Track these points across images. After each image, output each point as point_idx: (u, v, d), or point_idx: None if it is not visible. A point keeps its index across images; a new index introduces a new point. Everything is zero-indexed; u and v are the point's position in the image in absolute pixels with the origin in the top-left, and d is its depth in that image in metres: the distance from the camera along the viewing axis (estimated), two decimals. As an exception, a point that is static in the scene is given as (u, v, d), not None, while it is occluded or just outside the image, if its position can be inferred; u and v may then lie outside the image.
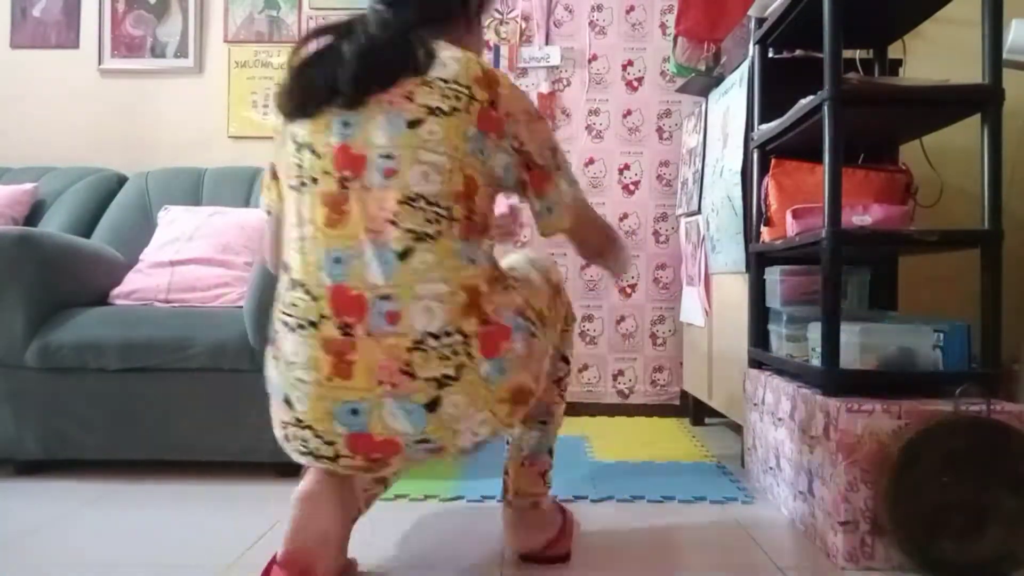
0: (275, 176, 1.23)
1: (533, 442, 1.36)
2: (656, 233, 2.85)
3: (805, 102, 1.60)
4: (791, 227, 1.67)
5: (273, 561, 1.16)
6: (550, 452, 1.39)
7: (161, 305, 2.09)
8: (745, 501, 1.71)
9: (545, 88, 2.85)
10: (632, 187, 2.85)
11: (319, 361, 1.06)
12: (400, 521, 1.57)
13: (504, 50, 2.84)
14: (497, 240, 1.30)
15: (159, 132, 2.91)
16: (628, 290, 2.84)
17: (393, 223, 1.05)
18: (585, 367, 2.83)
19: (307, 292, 1.08)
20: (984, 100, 1.48)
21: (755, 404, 1.85)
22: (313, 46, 1.17)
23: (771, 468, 1.73)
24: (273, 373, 1.15)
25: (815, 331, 1.54)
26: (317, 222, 1.09)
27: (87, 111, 2.92)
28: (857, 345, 1.46)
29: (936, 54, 2.32)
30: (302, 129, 1.13)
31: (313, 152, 1.11)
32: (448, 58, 1.11)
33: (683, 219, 2.68)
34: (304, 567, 1.12)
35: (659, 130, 2.85)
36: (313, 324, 1.07)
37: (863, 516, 1.33)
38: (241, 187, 2.57)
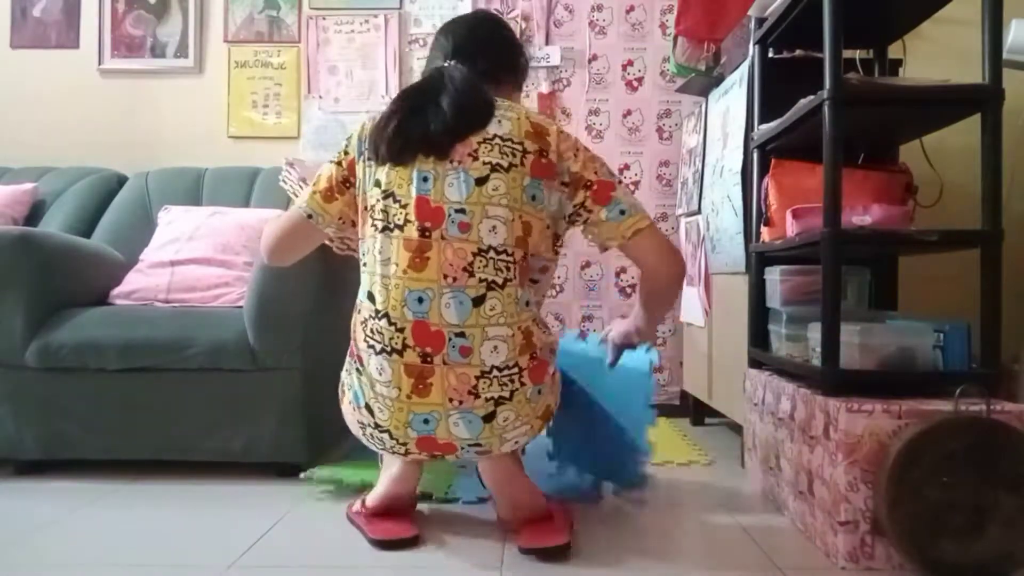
0: (338, 192, 1.43)
1: None
2: (656, 233, 2.84)
3: (805, 102, 1.60)
4: (791, 227, 1.67)
5: (363, 510, 1.50)
6: None
7: (161, 305, 2.09)
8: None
9: (545, 88, 2.85)
10: (632, 187, 2.85)
11: (402, 381, 1.30)
12: (400, 521, 1.57)
13: (504, 50, 2.83)
14: None
15: (159, 132, 2.91)
16: (628, 290, 2.84)
17: (468, 272, 1.29)
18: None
19: (391, 323, 1.30)
20: (984, 100, 1.47)
21: (755, 404, 1.85)
22: (406, 101, 1.40)
23: (771, 468, 1.73)
24: (355, 382, 1.38)
25: (815, 331, 1.54)
26: (401, 264, 1.30)
27: (87, 111, 2.92)
28: (857, 345, 1.46)
29: (936, 54, 2.32)
30: (384, 176, 1.35)
31: (396, 201, 1.33)
32: (503, 115, 1.36)
33: (683, 219, 2.68)
34: (397, 510, 1.49)
35: (659, 130, 2.85)
36: (398, 351, 1.30)
37: (863, 516, 1.33)
38: (241, 187, 2.57)
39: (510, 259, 1.31)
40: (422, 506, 1.64)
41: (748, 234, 1.99)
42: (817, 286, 1.57)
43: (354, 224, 1.45)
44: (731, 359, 2.14)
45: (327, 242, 1.59)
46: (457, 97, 1.34)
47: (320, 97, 2.89)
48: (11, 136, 2.92)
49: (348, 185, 1.43)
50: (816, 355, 1.55)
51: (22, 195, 2.50)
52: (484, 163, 1.32)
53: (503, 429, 1.32)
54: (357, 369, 1.36)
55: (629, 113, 2.86)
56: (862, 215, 1.55)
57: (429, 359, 1.28)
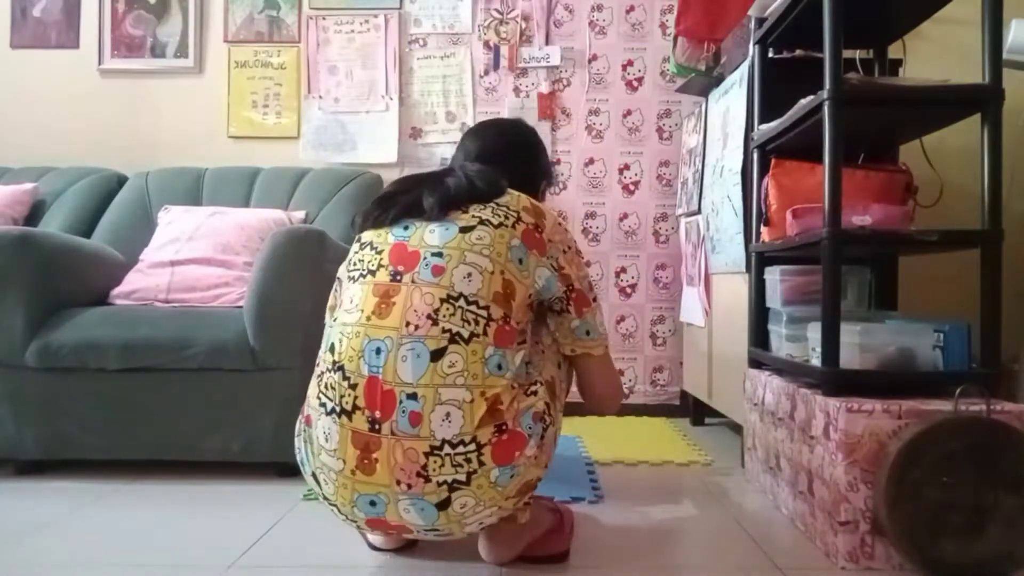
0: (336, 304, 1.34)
1: None
2: (656, 233, 2.85)
3: (805, 102, 1.60)
4: (791, 227, 1.67)
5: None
6: None
7: (161, 305, 2.09)
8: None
9: (545, 88, 2.85)
10: (632, 187, 2.85)
11: (347, 452, 1.15)
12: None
13: (504, 50, 2.84)
14: None
15: (159, 132, 2.91)
16: (628, 290, 2.84)
17: (432, 320, 1.16)
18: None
19: (345, 378, 1.17)
20: (984, 100, 1.47)
21: (755, 404, 1.85)
22: (406, 181, 1.36)
23: (771, 468, 1.73)
24: (302, 447, 1.24)
25: (815, 331, 1.54)
26: (366, 311, 1.20)
27: (87, 111, 2.92)
28: (857, 345, 1.46)
29: (936, 54, 2.32)
30: (366, 235, 1.30)
31: (373, 248, 1.27)
32: (508, 193, 1.31)
33: (683, 219, 2.68)
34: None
35: (659, 130, 2.85)
36: (348, 413, 1.16)
37: (863, 516, 1.33)
38: (241, 187, 2.57)
39: (482, 312, 1.17)
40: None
41: (748, 234, 1.99)
42: (817, 286, 1.57)
43: None
44: (731, 359, 2.14)
45: None
46: (458, 183, 1.29)
47: (320, 97, 2.89)
48: (11, 136, 2.92)
49: None
50: (816, 355, 1.55)
51: (22, 195, 2.50)
52: (473, 216, 1.24)
53: (461, 516, 1.16)
54: (304, 431, 1.23)
55: (629, 113, 2.86)
56: (862, 215, 1.55)
57: (377, 427, 1.13)
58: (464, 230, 1.23)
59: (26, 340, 1.86)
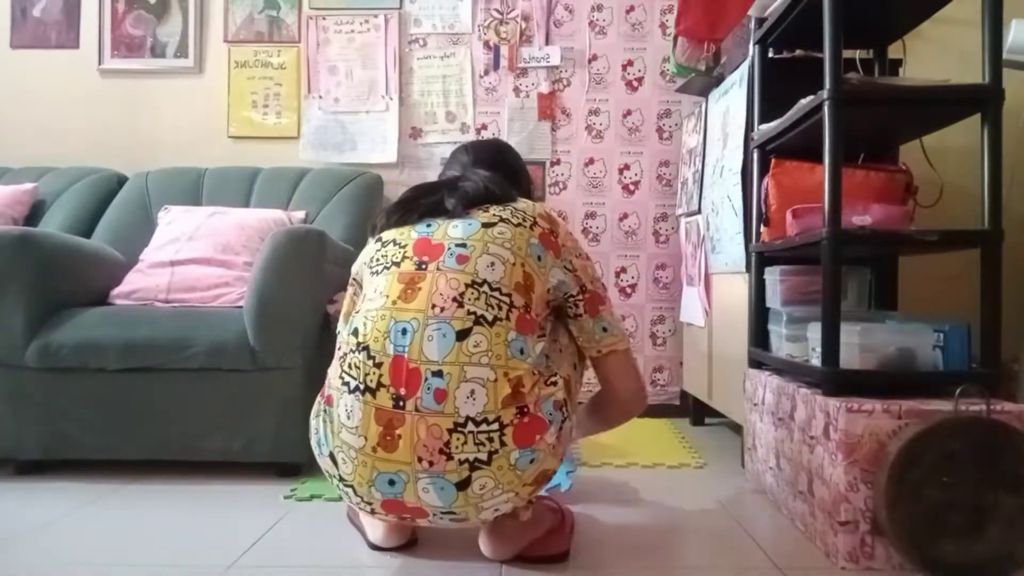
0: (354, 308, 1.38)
1: None
2: (656, 233, 2.85)
3: (805, 102, 1.60)
4: (791, 227, 1.67)
5: None
6: None
7: (161, 305, 2.09)
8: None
9: (545, 88, 2.85)
10: (632, 187, 2.85)
11: (369, 429, 1.17)
12: (400, 521, 1.57)
13: (504, 50, 2.84)
14: None
15: (159, 132, 2.91)
16: (628, 290, 2.84)
17: (458, 302, 1.20)
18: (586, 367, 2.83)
19: (370, 357, 1.20)
20: (984, 100, 1.47)
21: (755, 404, 1.85)
22: (421, 187, 1.41)
23: (771, 468, 1.73)
24: (320, 427, 1.26)
25: (815, 331, 1.54)
26: (392, 296, 1.24)
27: (87, 111, 2.92)
28: (857, 345, 1.46)
29: (936, 54, 2.32)
30: (389, 233, 1.34)
31: (396, 244, 1.31)
32: (522, 200, 1.39)
33: (683, 219, 2.68)
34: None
35: (659, 130, 2.85)
36: (371, 391, 1.18)
37: (863, 516, 1.33)
38: (241, 187, 2.57)
39: (505, 299, 1.22)
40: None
41: (748, 234, 1.99)
42: (817, 286, 1.57)
43: None
44: (731, 359, 2.14)
45: None
46: (476, 186, 1.36)
47: (320, 97, 2.89)
48: (11, 136, 2.91)
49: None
50: (816, 355, 1.55)
51: (22, 195, 2.50)
52: (494, 214, 1.31)
53: (480, 498, 1.18)
54: (325, 410, 1.25)
55: (629, 113, 2.85)
56: (862, 215, 1.55)
57: (401, 404, 1.15)
58: (486, 225, 1.29)
59: (26, 340, 1.86)
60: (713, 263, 2.32)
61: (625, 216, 2.85)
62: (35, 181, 2.60)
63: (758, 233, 1.90)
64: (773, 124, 1.80)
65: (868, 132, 1.78)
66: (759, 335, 1.90)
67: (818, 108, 1.51)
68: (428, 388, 1.15)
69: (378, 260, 1.32)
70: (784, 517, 1.62)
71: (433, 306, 1.20)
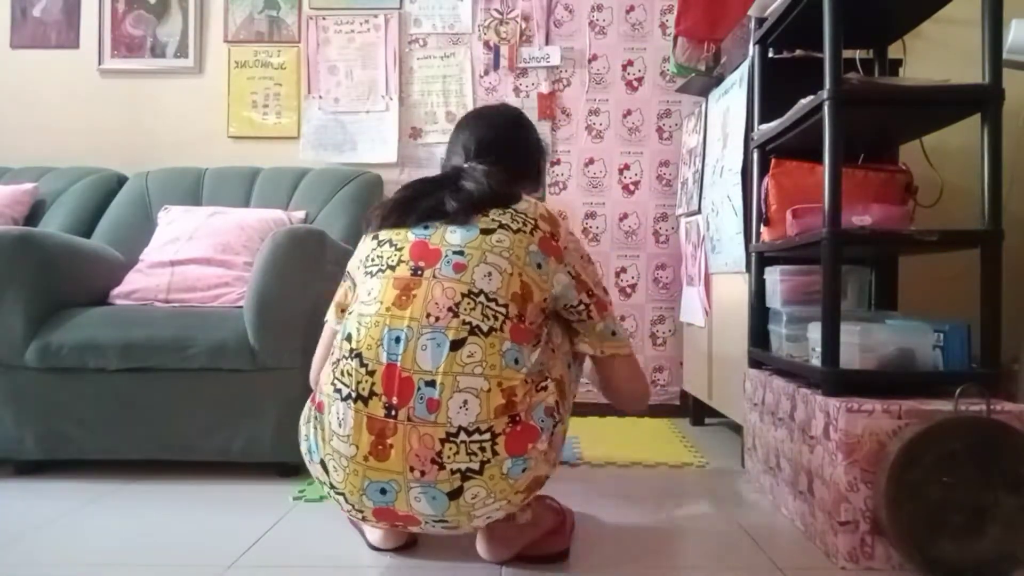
0: (346, 299, 1.37)
1: None
2: (656, 233, 2.85)
3: (805, 102, 1.60)
4: (791, 227, 1.67)
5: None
6: None
7: (161, 305, 2.09)
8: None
9: (545, 88, 2.85)
10: (632, 187, 2.85)
11: (361, 438, 1.16)
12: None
13: (504, 50, 2.84)
14: None
15: (159, 132, 2.91)
16: (628, 290, 2.84)
17: (453, 312, 1.19)
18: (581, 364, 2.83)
19: (363, 364, 1.18)
20: (984, 100, 1.47)
21: (755, 404, 1.85)
22: (419, 185, 1.38)
23: (771, 468, 1.73)
24: (311, 433, 1.24)
25: (815, 331, 1.54)
26: (386, 302, 1.22)
27: (87, 111, 2.92)
28: (857, 345, 1.46)
29: (936, 54, 2.32)
30: (385, 232, 1.32)
31: (392, 245, 1.29)
32: (524, 200, 1.35)
33: (683, 219, 2.68)
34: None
35: (659, 130, 2.85)
36: (363, 399, 1.17)
37: (863, 516, 1.33)
38: (241, 187, 2.57)
39: (501, 310, 1.20)
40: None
41: (748, 234, 1.99)
42: (817, 286, 1.57)
43: None
44: (731, 359, 2.14)
45: None
46: (479, 187, 1.32)
47: (320, 97, 2.89)
48: (11, 136, 2.91)
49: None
50: (816, 355, 1.55)
51: (22, 195, 2.50)
52: (493, 219, 1.28)
53: (471, 507, 1.17)
54: (315, 417, 1.23)
55: (629, 113, 2.85)
56: (862, 215, 1.55)
57: (393, 413, 1.14)
58: (485, 232, 1.26)
59: (26, 340, 1.86)
60: (713, 263, 2.32)
61: (625, 216, 2.85)
62: (35, 181, 2.60)
63: (758, 233, 1.90)
64: (773, 124, 1.80)
65: (868, 132, 1.78)
66: (759, 335, 1.90)
67: (818, 108, 1.51)
68: (421, 398, 1.14)
69: (373, 261, 1.29)
70: (784, 517, 1.62)
71: (428, 315, 1.18)
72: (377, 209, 1.36)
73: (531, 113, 2.83)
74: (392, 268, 1.25)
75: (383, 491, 1.16)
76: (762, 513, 1.65)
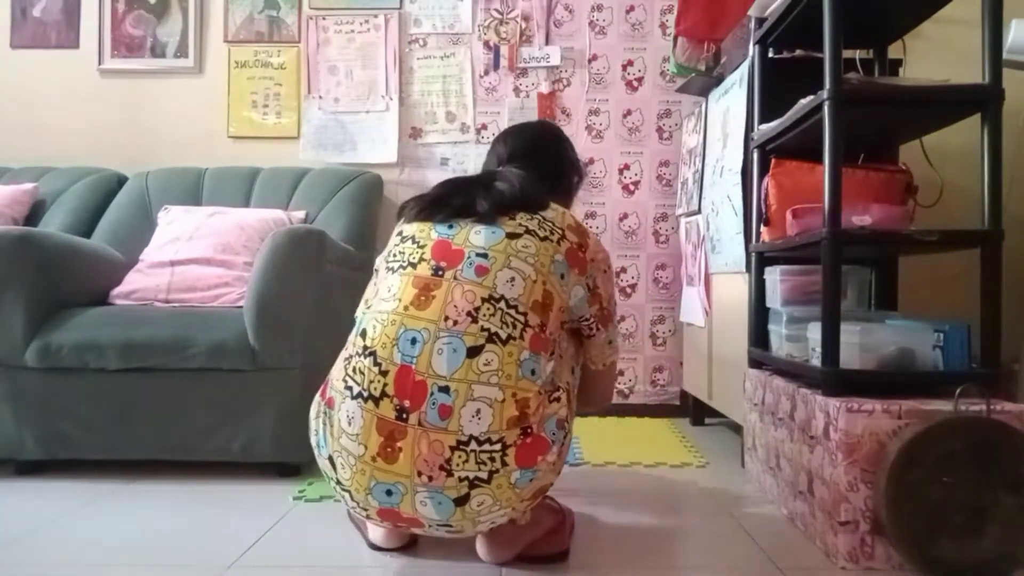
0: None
1: None
2: (656, 233, 2.85)
3: (805, 102, 1.60)
4: (791, 227, 1.67)
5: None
6: None
7: (161, 305, 2.09)
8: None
9: (545, 88, 2.85)
10: (632, 187, 2.85)
11: (370, 439, 1.15)
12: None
13: (504, 50, 2.84)
14: None
15: (159, 132, 2.91)
16: (628, 290, 2.84)
17: (472, 317, 1.17)
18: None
19: (376, 363, 1.17)
20: (984, 100, 1.47)
21: (755, 404, 1.85)
22: (453, 183, 1.38)
23: (771, 468, 1.73)
24: (320, 428, 1.23)
25: (815, 331, 1.54)
26: (404, 300, 1.20)
27: (87, 111, 2.92)
28: (857, 345, 1.46)
29: (936, 54, 2.32)
30: (408, 228, 1.31)
31: (415, 243, 1.27)
32: (552, 208, 1.33)
33: (683, 219, 2.68)
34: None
35: (659, 130, 2.85)
36: (375, 399, 1.15)
37: (863, 516, 1.33)
38: (241, 187, 2.57)
39: (520, 317, 1.19)
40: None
41: (748, 234, 1.99)
42: (817, 286, 1.57)
43: None
44: (731, 359, 2.14)
45: None
46: (511, 188, 1.32)
47: (320, 97, 2.89)
48: (11, 136, 2.91)
49: None
50: (816, 355, 1.55)
51: (22, 195, 2.50)
52: (520, 224, 1.27)
53: (477, 514, 1.17)
54: (325, 412, 1.22)
55: (629, 113, 2.86)
56: (862, 215, 1.55)
57: (404, 416, 1.13)
58: (511, 236, 1.25)
59: (26, 340, 1.86)
60: (713, 263, 2.32)
61: (625, 216, 2.85)
62: (35, 181, 2.60)
63: (758, 233, 1.90)
64: (773, 124, 1.80)
65: (868, 132, 1.78)
66: (759, 335, 1.90)
67: (818, 108, 1.51)
68: (433, 403, 1.13)
69: (395, 256, 1.29)
70: (784, 517, 1.62)
71: (446, 318, 1.17)
72: (412, 201, 1.35)
73: (531, 113, 2.83)
74: (413, 266, 1.24)
75: (389, 492, 1.16)
76: (762, 513, 1.65)
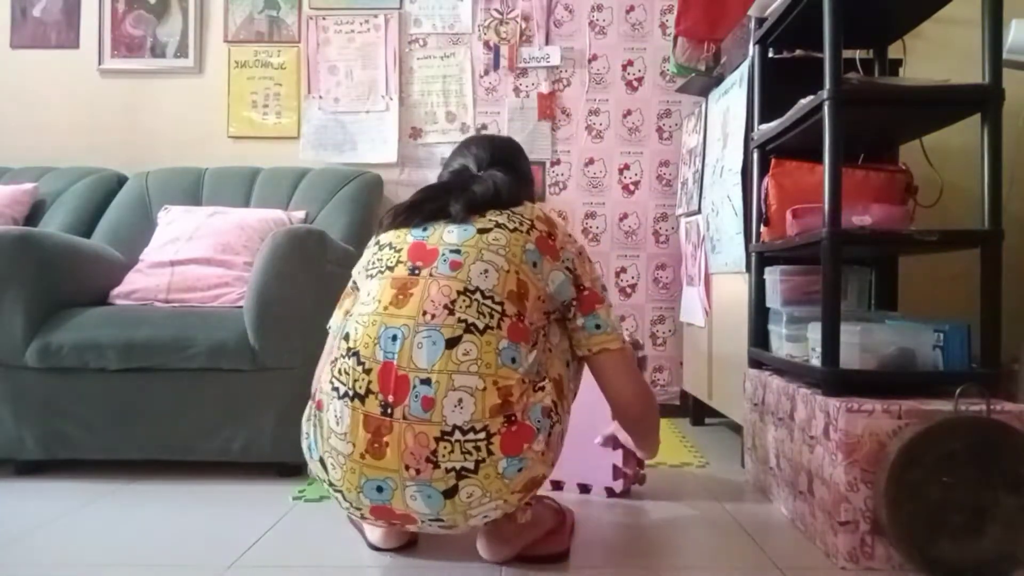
0: (343, 300, 1.40)
1: None
2: (656, 233, 2.85)
3: (805, 102, 1.60)
4: (791, 227, 1.67)
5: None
6: None
7: (161, 305, 2.09)
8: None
9: (545, 88, 2.85)
10: (632, 187, 2.85)
11: (358, 436, 1.17)
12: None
13: (504, 50, 2.84)
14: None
15: (159, 132, 2.91)
16: (628, 290, 2.84)
17: (449, 310, 1.19)
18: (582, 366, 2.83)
19: (360, 363, 1.19)
20: (984, 100, 1.47)
21: (755, 404, 1.85)
22: (432, 190, 1.39)
23: (771, 468, 1.73)
24: (311, 431, 1.25)
25: (815, 331, 1.54)
26: (384, 301, 1.23)
27: (87, 111, 2.92)
28: (857, 345, 1.46)
29: (936, 54, 2.32)
30: (386, 235, 1.34)
31: (391, 248, 1.31)
32: (523, 204, 1.36)
33: (683, 219, 2.68)
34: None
35: (659, 130, 2.85)
36: (360, 397, 1.17)
37: (863, 516, 1.33)
38: (241, 187, 2.57)
39: (497, 307, 1.21)
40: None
41: (748, 234, 1.99)
42: (817, 286, 1.57)
43: None
44: (731, 359, 2.14)
45: None
46: (485, 189, 1.34)
47: (320, 97, 2.89)
48: (11, 136, 2.91)
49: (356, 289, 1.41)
50: (816, 355, 1.55)
51: (22, 195, 2.50)
52: (490, 219, 1.30)
53: (467, 506, 1.17)
54: (315, 415, 1.24)
55: (629, 113, 2.86)
56: (862, 215, 1.55)
57: (389, 411, 1.15)
58: (481, 231, 1.28)
59: (26, 340, 1.86)
60: (713, 263, 2.32)
61: (625, 216, 2.85)
62: (35, 181, 2.60)
63: (758, 233, 1.90)
64: (773, 124, 1.80)
65: (868, 132, 1.78)
66: (759, 335, 1.90)
67: (818, 108, 1.51)
68: (416, 396, 1.14)
69: (373, 264, 1.31)
70: (784, 517, 1.62)
71: (424, 312, 1.19)
72: (388, 212, 1.38)
73: (531, 113, 2.84)
74: (391, 269, 1.27)
75: (379, 489, 1.17)
76: (762, 513, 1.65)
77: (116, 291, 2.14)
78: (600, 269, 2.84)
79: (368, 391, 1.17)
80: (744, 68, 2.06)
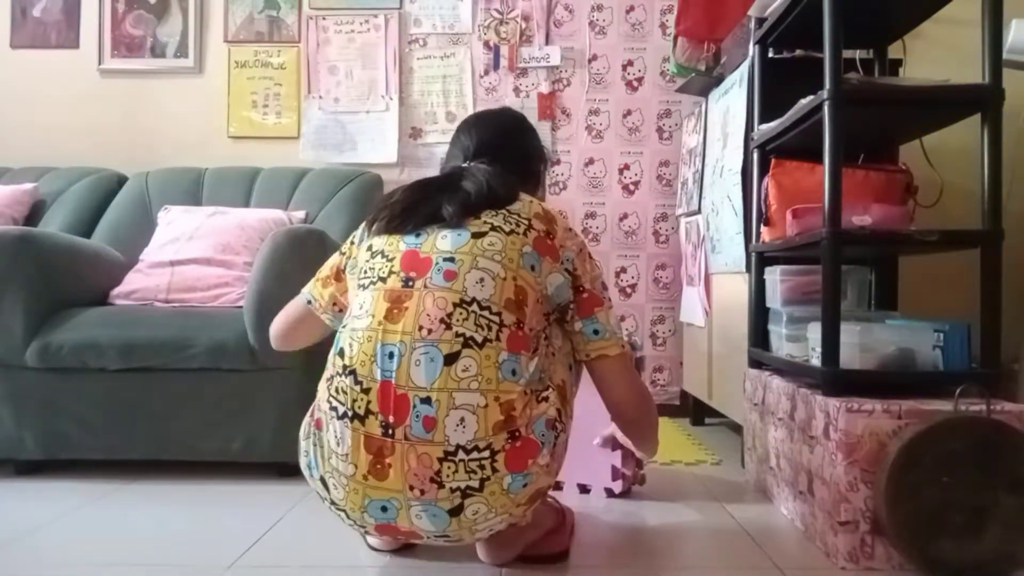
0: (335, 278, 1.41)
1: None
2: (656, 233, 2.85)
3: (805, 102, 1.60)
4: (791, 227, 1.67)
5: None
6: None
7: (161, 305, 2.09)
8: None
9: (545, 88, 2.85)
10: (632, 187, 2.85)
11: (360, 458, 1.14)
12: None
13: (504, 50, 2.84)
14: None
15: (159, 132, 2.91)
16: (628, 290, 2.84)
17: (446, 324, 1.15)
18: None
19: (357, 382, 1.16)
20: (984, 100, 1.47)
21: (755, 404, 1.85)
22: (421, 188, 1.34)
23: (771, 468, 1.73)
24: (311, 450, 1.23)
25: (815, 331, 1.54)
26: (378, 316, 1.19)
27: (87, 111, 2.92)
28: (857, 345, 1.46)
29: (936, 54, 2.32)
30: (377, 241, 1.30)
31: (384, 256, 1.26)
32: (520, 199, 1.31)
33: (683, 219, 2.68)
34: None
35: (659, 130, 2.85)
36: (360, 418, 1.14)
37: (863, 516, 1.33)
38: (241, 187, 2.57)
39: (495, 318, 1.16)
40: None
41: (748, 234, 1.99)
42: (817, 286, 1.57)
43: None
44: (731, 359, 2.14)
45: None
46: (478, 188, 1.28)
47: (320, 97, 2.89)
48: (11, 136, 2.91)
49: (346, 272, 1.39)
50: (816, 355, 1.55)
51: (22, 195, 2.50)
52: (485, 222, 1.24)
53: (473, 523, 1.15)
54: (314, 433, 1.21)
55: (629, 113, 2.86)
56: (862, 215, 1.55)
57: (390, 432, 1.12)
58: (476, 236, 1.23)
59: (26, 340, 1.86)
60: (713, 263, 2.32)
61: (625, 216, 2.85)
62: (35, 181, 2.60)
63: (758, 233, 1.90)
64: (773, 124, 1.80)
65: (868, 132, 1.78)
66: (759, 335, 1.90)
67: (818, 108, 1.51)
68: (417, 416, 1.11)
69: (366, 273, 1.27)
70: (784, 517, 1.62)
71: (420, 328, 1.15)
72: (383, 211, 1.32)
73: (531, 113, 2.83)
74: (383, 280, 1.22)
75: (384, 508, 1.15)
76: (762, 513, 1.65)
77: (116, 291, 2.14)
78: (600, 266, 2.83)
79: (368, 411, 1.14)
80: (744, 68, 2.06)
